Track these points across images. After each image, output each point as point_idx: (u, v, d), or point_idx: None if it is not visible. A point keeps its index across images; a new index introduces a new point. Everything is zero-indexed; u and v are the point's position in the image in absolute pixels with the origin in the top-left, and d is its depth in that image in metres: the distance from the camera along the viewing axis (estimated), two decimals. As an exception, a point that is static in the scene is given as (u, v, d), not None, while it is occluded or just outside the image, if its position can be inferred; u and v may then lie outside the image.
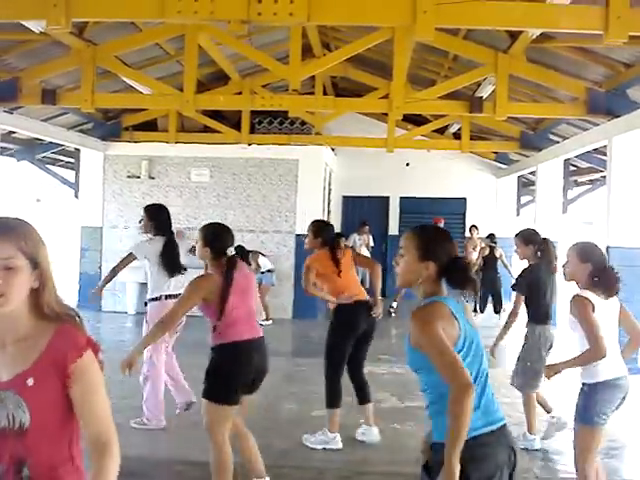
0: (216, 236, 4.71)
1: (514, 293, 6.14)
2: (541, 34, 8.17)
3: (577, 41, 8.27)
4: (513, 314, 6.03)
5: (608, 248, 9.19)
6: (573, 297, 4.29)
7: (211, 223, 4.98)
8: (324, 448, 5.91)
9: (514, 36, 8.65)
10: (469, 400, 2.56)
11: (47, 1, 5.68)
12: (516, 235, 6.45)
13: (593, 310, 4.17)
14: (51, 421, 2.11)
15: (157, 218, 6.56)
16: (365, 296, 6.21)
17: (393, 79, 9.33)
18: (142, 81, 9.74)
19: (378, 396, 7.59)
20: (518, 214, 17.14)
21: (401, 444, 6.11)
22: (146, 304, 6.54)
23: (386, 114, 11.60)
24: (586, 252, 4.41)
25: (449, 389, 2.61)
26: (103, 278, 6.80)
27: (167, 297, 6.35)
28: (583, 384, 4.28)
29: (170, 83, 10.48)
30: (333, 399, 6.02)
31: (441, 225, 13.80)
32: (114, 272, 6.52)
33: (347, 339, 6.06)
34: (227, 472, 4.54)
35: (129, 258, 6.46)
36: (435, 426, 2.79)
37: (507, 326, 6.06)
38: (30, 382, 2.05)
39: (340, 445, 5.97)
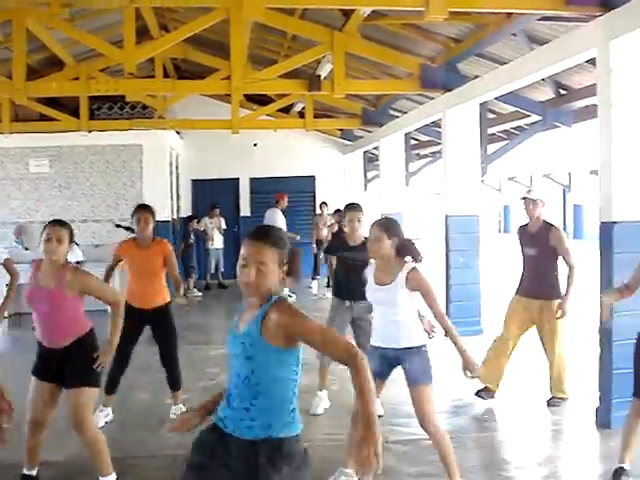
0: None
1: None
2: (373, 12, 8.37)
3: (407, 18, 8.50)
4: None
5: (447, 217, 9.60)
6: (413, 270, 4.46)
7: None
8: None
9: (347, 14, 8.80)
10: None
11: None
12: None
13: None
14: None
15: None
16: None
17: (231, 59, 9.25)
18: (-35, 69, 9.20)
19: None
20: (365, 189, 17.52)
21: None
22: None
23: (230, 95, 11.54)
24: (393, 227, 4.59)
25: None
26: None
27: None
28: (420, 347, 4.47)
29: (-1, 71, 9.96)
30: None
31: (284, 201, 14.02)
32: None
33: None
34: (106, 450, 4.63)
35: None
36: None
37: None
38: None
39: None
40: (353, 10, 8.41)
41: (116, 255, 6.32)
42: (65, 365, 4.55)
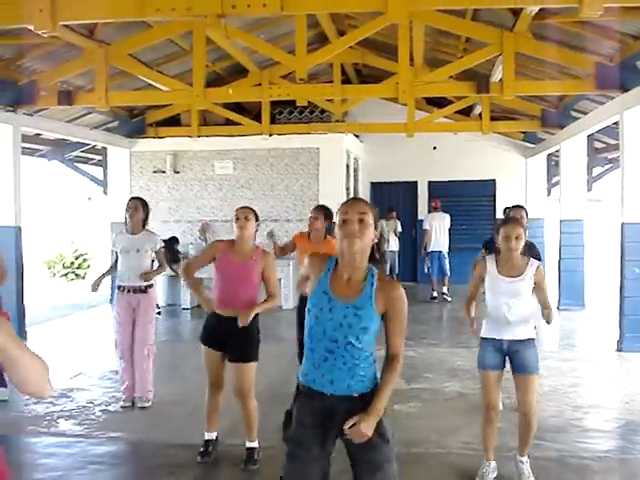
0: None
1: None
2: (542, 10, 8.10)
3: (577, 15, 8.13)
4: None
5: (623, 225, 9.06)
6: (538, 266, 4.75)
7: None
8: None
9: (517, 14, 8.58)
10: None
11: (34, 6, 5.89)
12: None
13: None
14: None
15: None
16: None
17: (399, 62, 9.32)
18: (153, 77, 9.93)
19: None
20: (549, 194, 16.86)
21: (402, 425, 6.12)
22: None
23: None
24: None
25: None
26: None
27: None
28: (532, 339, 4.76)
29: (187, 79, 10.64)
30: None
31: (439, 207, 14.05)
32: None
33: None
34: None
35: None
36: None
37: None
38: None
39: None
40: (521, 9, 8.20)
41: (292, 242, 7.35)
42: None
